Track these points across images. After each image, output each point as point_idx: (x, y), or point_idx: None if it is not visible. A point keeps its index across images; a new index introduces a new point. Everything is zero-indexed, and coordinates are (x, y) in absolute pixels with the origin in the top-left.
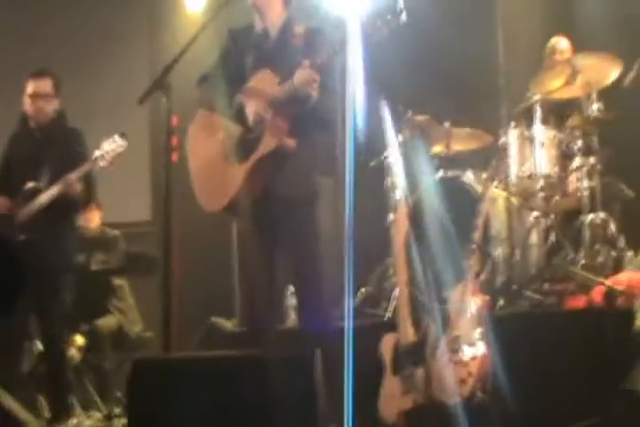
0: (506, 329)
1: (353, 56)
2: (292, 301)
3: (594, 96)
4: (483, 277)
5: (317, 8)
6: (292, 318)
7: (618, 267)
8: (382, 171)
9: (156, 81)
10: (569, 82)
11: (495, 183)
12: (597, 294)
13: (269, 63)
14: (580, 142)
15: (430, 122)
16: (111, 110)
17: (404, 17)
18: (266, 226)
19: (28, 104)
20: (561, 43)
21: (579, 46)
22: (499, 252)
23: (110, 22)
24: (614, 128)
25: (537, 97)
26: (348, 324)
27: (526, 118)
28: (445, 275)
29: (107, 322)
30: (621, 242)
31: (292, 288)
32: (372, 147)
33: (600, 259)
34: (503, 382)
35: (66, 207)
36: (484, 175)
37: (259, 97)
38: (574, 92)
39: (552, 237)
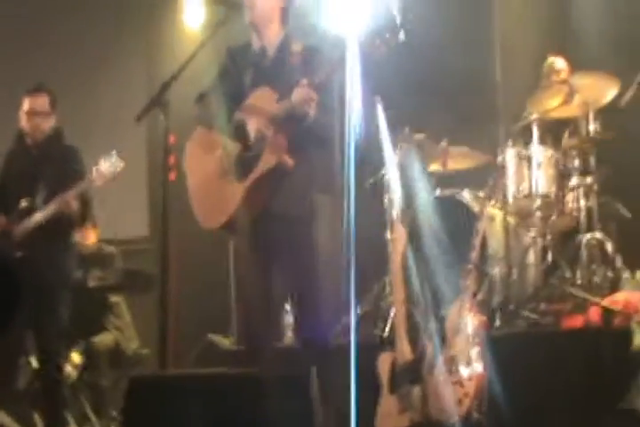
0: (503, 349)
1: (351, 74)
2: (288, 319)
3: (591, 115)
4: (480, 296)
5: (315, 26)
6: (288, 337)
7: (615, 287)
8: (378, 188)
9: (153, 98)
10: (566, 101)
11: (492, 202)
12: (594, 314)
13: (267, 81)
14: (577, 162)
15: (427, 140)
16: (108, 127)
17: (402, 36)
18: (263, 244)
19: (24, 121)
20: (558, 62)
21: (576, 65)
22: (496, 271)
23: (108, 39)
24: (611, 147)
25: (534, 116)
26: (352, 340)
27: (523, 137)
28: (442, 294)
29: (103, 339)
30: (618, 262)
31: (288, 307)
32: (369, 164)
33: (597, 279)
34: (500, 401)
35: (62, 225)
36: (481, 194)
37: (258, 114)
38: (572, 111)
39: (549, 257)
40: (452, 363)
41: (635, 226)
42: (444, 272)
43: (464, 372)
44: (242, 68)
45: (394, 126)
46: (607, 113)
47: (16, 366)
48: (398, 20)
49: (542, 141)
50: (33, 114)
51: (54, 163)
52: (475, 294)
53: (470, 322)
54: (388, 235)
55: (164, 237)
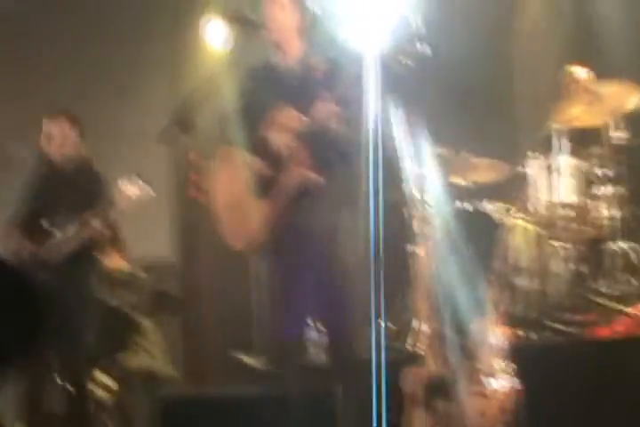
0: (529, 360)
1: (372, 88)
2: (313, 336)
3: (614, 123)
4: (505, 308)
5: (335, 41)
6: (313, 353)
7: None
8: (401, 202)
9: (175, 119)
10: (589, 109)
11: (516, 213)
12: (621, 324)
13: (290, 98)
14: (601, 170)
15: (449, 152)
16: (131, 148)
17: (423, 48)
18: (289, 261)
19: (47, 145)
20: (579, 71)
21: (598, 73)
22: (520, 282)
23: (131, 60)
24: (637, 155)
25: (557, 125)
26: (373, 355)
27: (546, 147)
28: (467, 307)
29: (132, 361)
30: None
31: (313, 323)
32: (391, 178)
33: (623, 288)
34: (527, 414)
35: (87, 248)
36: (505, 205)
37: (282, 131)
38: (595, 119)
39: (574, 267)
40: (479, 376)
41: None
42: (468, 285)
43: (492, 385)
44: (264, 87)
45: (416, 139)
46: (632, 120)
47: (44, 388)
48: (420, 33)
49: (565, 150)
50: (56, 138)
51: (77, 186)
52: (500, 306)
53: (496, 334)
54: (412, 248)
55: (190, 259)
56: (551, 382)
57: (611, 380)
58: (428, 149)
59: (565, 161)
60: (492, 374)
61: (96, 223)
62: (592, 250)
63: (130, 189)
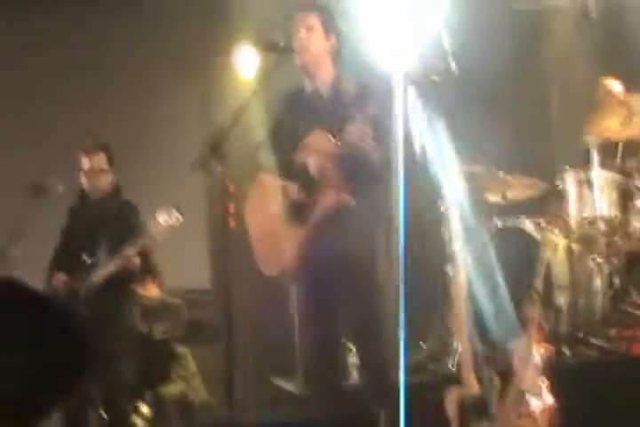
0: (573, 378)
1: (402, 107)
2: (353, 359)
3: None
4: (546, 326)
5: (364, 62)
6: (354, 377)
7: None
8: (437, 221)
9: (209, 147)
10: (624, 123)
11: (554, 229)
12: None
13: (323, 122)
14: (638, 183)
15: (484, 169)
16: (165, 178)
17: (453, 66)
18: (325, 286)
19: (83, 179)
20: (613, 85)
21: (632, 87)
22: (562, 299)
23: (162, 89)
24: None
25: (593, 139)
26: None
27: (583, 161)
28: (507, 326)
29: (170, 390)
30: None
31: (353, 347)
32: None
33: None
34: None
35: (124, 280)
36: (543, 222)
37: (317, 155)
38: (631, 132)
39: (616, 282)
40: (522, 396)
41: None
42: (509, 304)
43: (535, 404)
44: (297, 112)
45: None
46: None
47: (86, 419)
48: (449, 51)
49: (602, 164)
50: (91, 172)
51: (114, 219)
52: (541, 324)
53: (538, 353)
54: (449, 268)
55: (227, 288)
56: (597, 400)
57: None
58: (461, 167)
59: (602, 175)
60: (536, 394)
61: (133, 254)
62: (634, 264)
63: (166, 220)
